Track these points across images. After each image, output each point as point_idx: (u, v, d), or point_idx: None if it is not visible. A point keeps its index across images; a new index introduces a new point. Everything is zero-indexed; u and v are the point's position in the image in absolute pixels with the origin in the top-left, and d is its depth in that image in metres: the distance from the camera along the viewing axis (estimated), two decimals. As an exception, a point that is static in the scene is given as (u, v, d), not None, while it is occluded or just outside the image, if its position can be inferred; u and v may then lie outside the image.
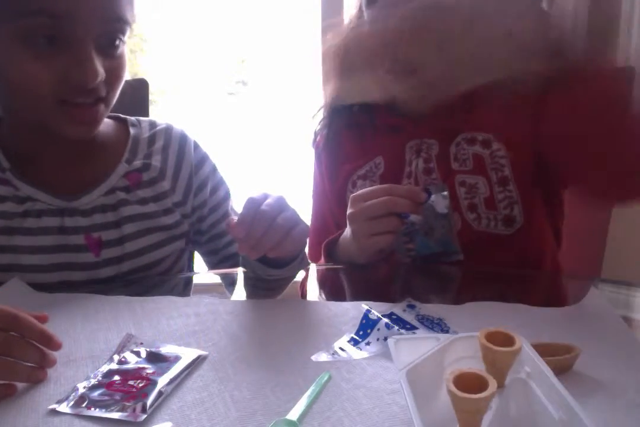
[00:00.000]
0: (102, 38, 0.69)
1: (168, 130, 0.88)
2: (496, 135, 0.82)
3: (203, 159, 0.89)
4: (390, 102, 0.90)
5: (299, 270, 0.78)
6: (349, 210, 0.75)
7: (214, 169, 0.91)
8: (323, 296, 0.79)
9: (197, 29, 2.41)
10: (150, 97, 1.13)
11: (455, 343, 0.45)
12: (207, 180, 0.89)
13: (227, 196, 0.92)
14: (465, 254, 0.76)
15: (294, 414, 0.45)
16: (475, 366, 0.41)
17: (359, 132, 0.92)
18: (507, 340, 0.41)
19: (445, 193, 0.74)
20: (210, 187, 0.89)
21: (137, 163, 0.82)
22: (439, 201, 0.74)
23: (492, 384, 0.36)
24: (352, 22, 0.90)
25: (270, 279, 0.77)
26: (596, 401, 0.44)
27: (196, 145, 0.90)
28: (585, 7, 1.62)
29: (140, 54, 2.40)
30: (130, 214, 0.80)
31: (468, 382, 0.36)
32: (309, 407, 0.46)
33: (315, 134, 0.99)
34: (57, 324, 0.62)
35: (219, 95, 2.67)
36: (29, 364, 0.52)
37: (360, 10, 0.88)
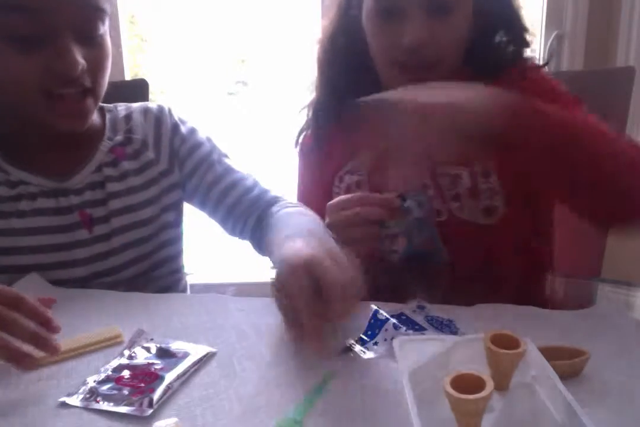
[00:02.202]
0: (80, 28, 0.70)
1: (143, 106, 0.90)
2: None
3: (179, 122, 0.90)
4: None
5: None
6: (326, 220, 0.76)
7: (192, 130, 0.91)
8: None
9: (197, 29, 2.41)
10: (150, 97, 1.14)
11: (461, 345, 0.45)
12: (185, 138, 0.89)
13: (211, 152, 0.90)
14: (448, 243, 0.75)
15: (297, 412, 0.45)
16: (480, 368, 0.41)
17: (345, 128, 0.91)
18: (513, 342, 0.41)
19: (423, 198, 0.74)
20: (190, 146, 0.89)
21: (119, 138, 0.85)
22: (415, 206, 0.74)
23: (489, 384, 0.36)
24: (334, 18, 0.89)
25: None
26: (605, 405, 0.44)
27: (170, 112, 0.91)
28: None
29: (140, 54, 2.40)
30: (116, 190, 0.81)
31: (467, 384, 0.37)
32: (312, 405, 0.46)
33: (300, 133, 0.98)
34: (72, 319, 0.64)
35: (219, 95, 2.67)
36: (21, 350, 0.52)
37: (340, 6, 0.88)
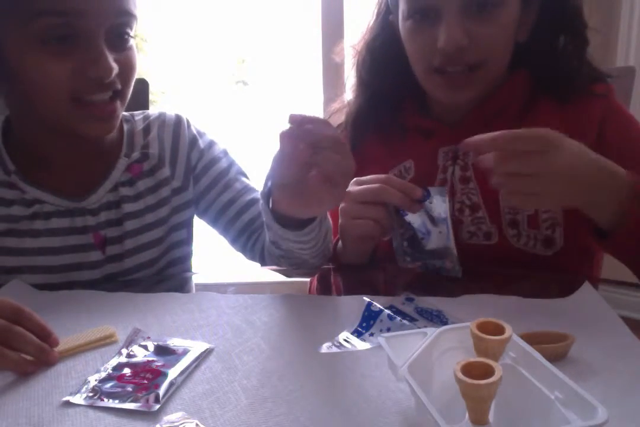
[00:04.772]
0: (111, 33, 0.70)
1: (161, 117, 0.89)
2: None
3: (197, 136, 0.89)
4: (421, 101, 0.87)
5: (320, 235, 0.73)
6: (347, 189, 0.74)
7: (210, 144, 0.90)
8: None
9: (197, 29, 2.42)
10: (150, 97, 1.14)
11: (442, 335, 0.46)
12: (203, 153, 0.88)
13: (229, 168, 0.89)
14: (500, 269, 0.75)
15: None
16: (462, 355, 0.42)
17: (386, 134, 0.88)
18: (497, 329, 0.42)
19: (445, 197, 0.72)
20: (207, 161, 0.88)
21: (136, 154, 0.84)
22: (437, 204, 0.72)
23: (498, 369, 0.37)
24: (374, 27, 0.86)
25: (292, 246, 0.73)
26: (591, 385, 0.46)
27: (189, 124, 0.90)
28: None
29: (141, 54, 2.40)
30: (132, 211, 0.81)
31: (475, 371, 0.37)
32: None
33: None
34: (62, 320, 0.64)
35: (219, 95, 2.67)
36: (24, 356, 0.53)
37: (378, 13, 0.85)
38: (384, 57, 0.85)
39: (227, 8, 2.38)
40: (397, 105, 0.87)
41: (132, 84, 0.76)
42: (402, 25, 0.79)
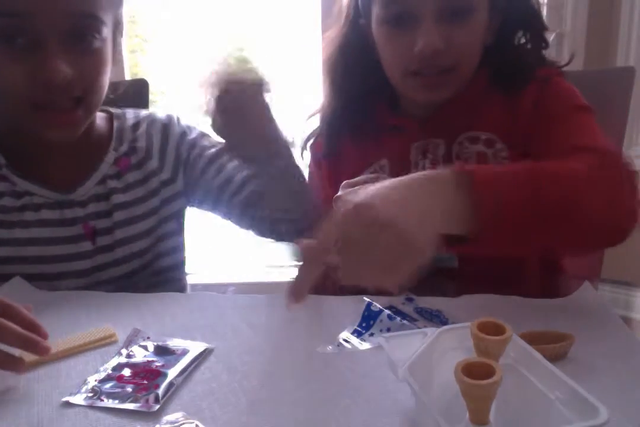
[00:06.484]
0: (69, 35, 0.68)
1: (151, 115, 0.90)
2: (499, 135, 0.81)
3: (187, 130, 0.90)
4: (393, 101, 0.89)
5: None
6: (337, 195, 0.74)
7: (202, 135, 0.90)
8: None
9: (197, 30, 2.42)
10: (150, 97, 1.14)
11: (442, 335, 0.46)
12: (195, 143, 0.88)
13: (222, 153, 0.88)
14: (465, 253, 0.75)
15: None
16: (463, 355, 0.42)
17: (361, 135, 0.90)
18: (497, 329, 0.42)
19: None
20: (200, 149, 0.88)
21: (124, 148, 0.85)
22: None
23: (498, 369, 0.37)
24: (343, 28, 0.88)
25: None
26: (591, 385, 0.45)
27: (179, 120, 0.90)
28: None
29: (141, 54, 2.41)
30: (120, 202, 0.82)
31: (476, 371, 0.37)
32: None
33: (309, 137, 0.97)
34: (62, 320, 0.64)
35: (218, 95, 2.68)
36: (10, 354, 0.52)
37: (348, 16, 0.86)
38: (356, 61, 0.87)
39: (227, 8, 2.39)
40: (371, 106, 0.89)
41: (99, 90, 0.74)
42: (376, 30, 0.81)
